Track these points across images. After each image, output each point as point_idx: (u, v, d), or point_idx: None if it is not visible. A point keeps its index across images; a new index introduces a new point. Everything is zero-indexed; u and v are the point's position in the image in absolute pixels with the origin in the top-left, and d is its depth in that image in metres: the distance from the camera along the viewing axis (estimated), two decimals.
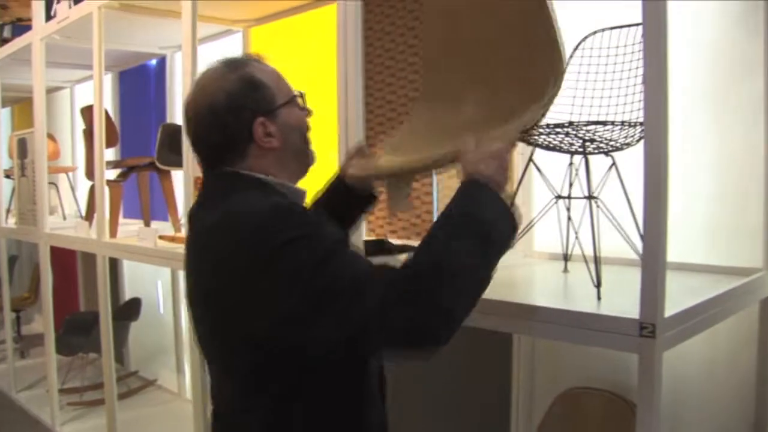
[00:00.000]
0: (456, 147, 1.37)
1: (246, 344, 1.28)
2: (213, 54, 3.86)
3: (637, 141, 1.73)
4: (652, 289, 1.40)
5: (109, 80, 5.24)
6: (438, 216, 1.33)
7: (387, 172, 1.60)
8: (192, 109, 1.39)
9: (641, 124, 1.53)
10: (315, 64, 3.32)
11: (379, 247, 2.56)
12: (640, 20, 1.44)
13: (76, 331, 4.56)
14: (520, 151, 2.39)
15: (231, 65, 1.39)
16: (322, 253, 1.19)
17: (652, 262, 1.41)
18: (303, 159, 1.46)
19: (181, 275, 3.94)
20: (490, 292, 1.69)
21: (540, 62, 1.33)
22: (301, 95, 1.45)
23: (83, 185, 4.77)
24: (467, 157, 1.32)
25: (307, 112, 1.47)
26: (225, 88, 1.35)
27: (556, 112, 2.08)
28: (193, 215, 1.42)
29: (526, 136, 1.91)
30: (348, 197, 1.66)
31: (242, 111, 1.34)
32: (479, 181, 1.27)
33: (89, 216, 3.79)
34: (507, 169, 1.32)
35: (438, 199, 2.80)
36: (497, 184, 1.29)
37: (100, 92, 3.45)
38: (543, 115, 1.46)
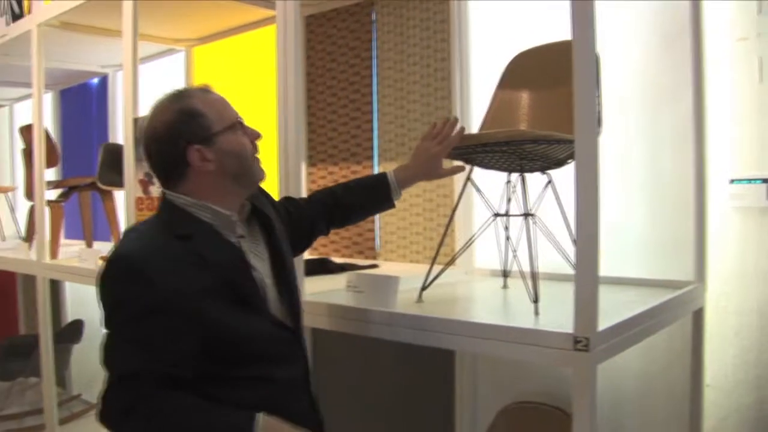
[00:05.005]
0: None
1: None
2: (156, 73, 3.88)
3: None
4: (585, 304, 1.44)
5: (49, 99, 5.15)
6: None
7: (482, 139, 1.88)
8: (143, 137, 1.53)
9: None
10: (258, 83, 3.33)
11: (322, 265, 2.57)
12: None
13: (15, 356, 4.43)
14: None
15: (174, 97, 1.51)
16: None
17: (585, 276, 1.44)
18: (244, 180, 1.55)
19: None
20: (432, 311, 1.72)
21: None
22: (240, 121, 1.54)
23: (23, 206, 4.65)
24: None
25: (253, 136, 1.57)
26: (164, 119, 1.47)
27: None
28: None
29: (463, 154, 1.95)
30: (379, 197, 1.90)
31: (178, 140, 1.46)
32: None
33: (29, 237, 3.71)
34: None
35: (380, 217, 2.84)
36: None
37: (39, 111, 3.39)
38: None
